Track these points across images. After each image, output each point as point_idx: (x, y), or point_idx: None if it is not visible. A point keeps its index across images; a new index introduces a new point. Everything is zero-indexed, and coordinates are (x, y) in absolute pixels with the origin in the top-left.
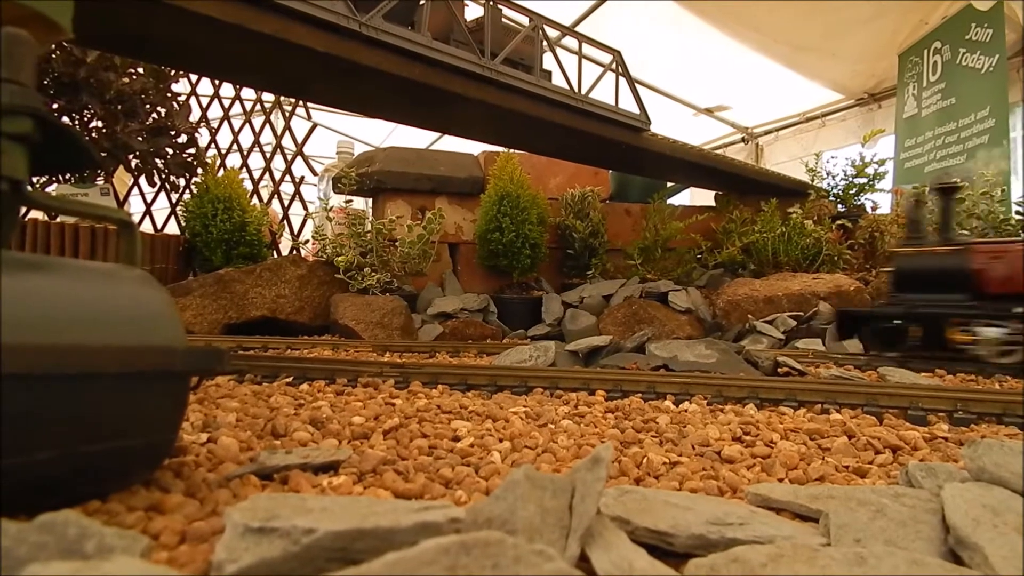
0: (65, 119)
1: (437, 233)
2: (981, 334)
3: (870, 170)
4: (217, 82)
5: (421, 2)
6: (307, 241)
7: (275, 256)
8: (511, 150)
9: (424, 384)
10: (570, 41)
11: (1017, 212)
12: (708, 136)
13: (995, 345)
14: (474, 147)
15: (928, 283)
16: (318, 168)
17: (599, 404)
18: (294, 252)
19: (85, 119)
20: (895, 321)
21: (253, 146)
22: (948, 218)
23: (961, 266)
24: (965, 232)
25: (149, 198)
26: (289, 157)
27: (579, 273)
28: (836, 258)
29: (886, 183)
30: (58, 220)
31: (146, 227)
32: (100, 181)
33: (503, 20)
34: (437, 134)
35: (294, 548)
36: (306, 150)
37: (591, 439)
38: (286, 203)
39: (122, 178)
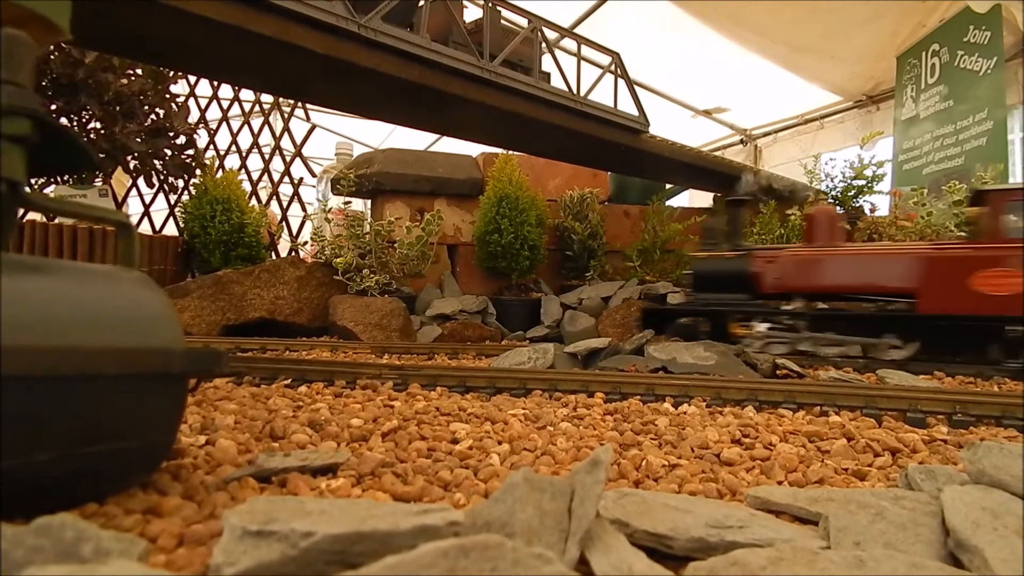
0: (63, 120)
1: (436, 235)
2: (754, 328)
3: (868, 172)
4: (216, 83)
5: (420, 3)
6: (306, 242)
7: (274, 257)
8: (510, 152)
9: (423, 386)
10: (569, 43)
11: None
12: (707, 138)
13: (761, 338)
14: (473, 149)
15: (718, 284)
16: (317, 169)
17: (598, 406)
18: (293, 253)
19: (83, 120)
20: (690, 318)
21: (252, 147)
22: (737, 227)
23: (743, 269)
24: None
25: (147, 199)
26: (288, 158)
27: (578, 275)
28: None
29: (884, 185)
30: (56, 221)
31: (144, 228)
32: (98, 182)
33: (502, 22)
34: (436, 136)
35: (292, 551)
36: (305, 151)
37: (590, 441)
38: (285, 204)
39: (120, 179)
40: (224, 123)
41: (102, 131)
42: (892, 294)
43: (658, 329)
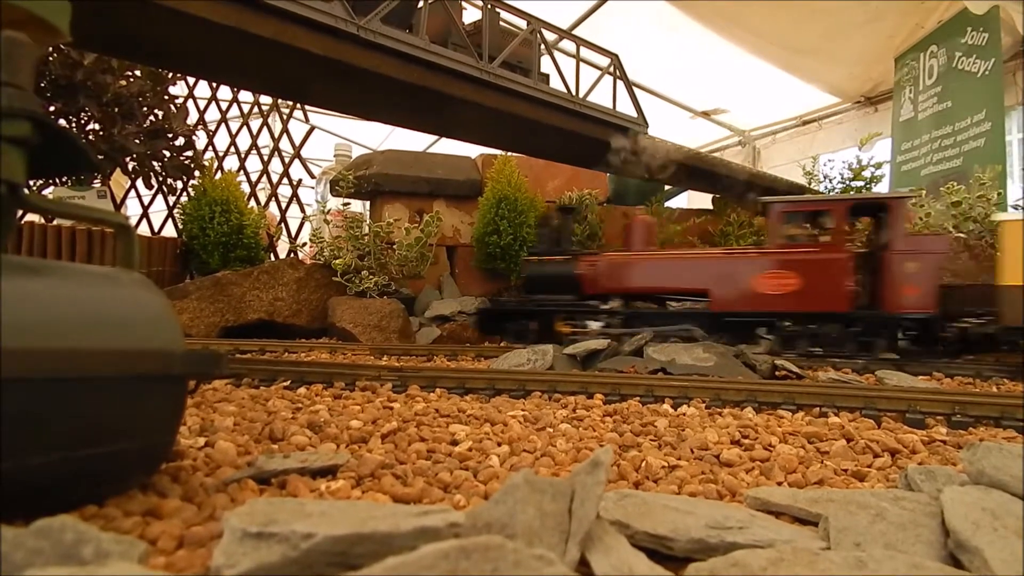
0: (62, 122)
1: (435, 236)
2: (586, 326)
3: (867, 173)
4: (214, 85)
5: (419, 5)
6: (304, 244)
7: (272, 259)
8: (509, 153)
9: (422, 388)
10: (568, 44)
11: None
12: (705, 139)
13: (585, 335)
14: (472, 150)
15: (548, 286)
16: (316, 171)
17: (597, 408)
18: (291, 255)
19: (82, 121)
20: (521, 319)
21: (251, 149)
22: (566, 233)
23: (569, 273)
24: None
25: (146, 201)
26: (287, 160)
27: None
28: None
29: (883, 186)
30: (55, 223)
31: (143, 230)
32: (97, 184)
33: (501, 23)
34: (435, 137)
35: (293, 553)
36: (304, 153)
37: (590, 443)
38: (283, 206)
39: (119, 181)
40: (223, 124)
41: (101, 132)
42: (692, 294)
43: (495, 329)
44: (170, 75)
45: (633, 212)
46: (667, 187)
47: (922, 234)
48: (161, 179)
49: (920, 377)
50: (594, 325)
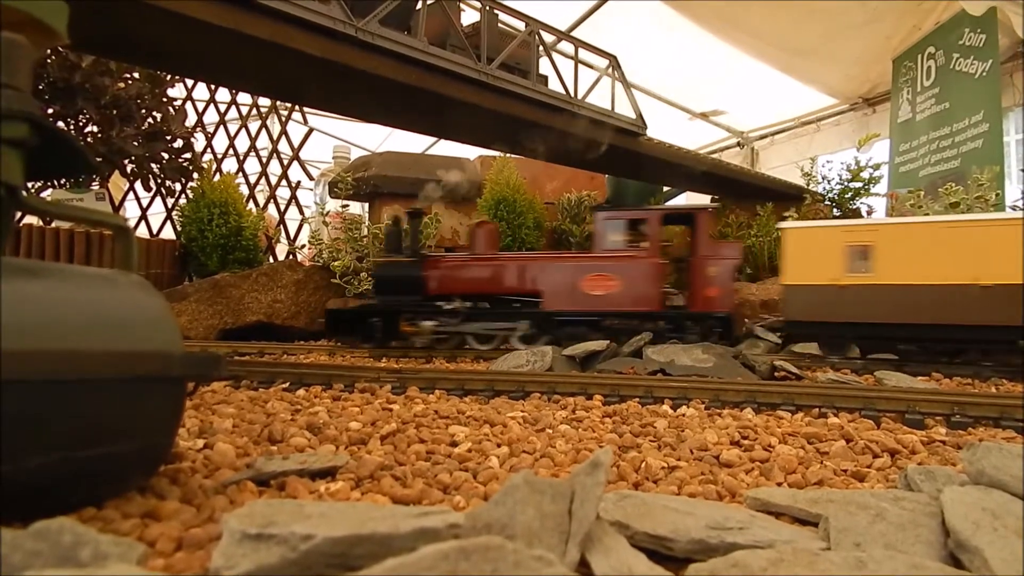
0: (60, 124)
1: (433, 237)
2: (421, 326)
3: (865, 174)
4: (213, 87)
5: (418, 7)
6: (303, 246)
7: (271, 261)
8: (507, 154)
9: (421, 389)
10: (566, 46)
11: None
12: (704, 140)
13: (429, 334)
14: (471, 151)
15: (395, 287)
16: (314, 172)
17: (597, 408)
18: (290, 257)
19: (80, 124)
20: (368, 319)
21: (249, 151)
22: (414, 234)
23: (415, 274)
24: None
25: (145, 203)
26: (285, 162)
27: None
28: None
29: (881, 187)
30: (53, 225)
31: (141, 232)
32: (95, 186)
33: (499, 25)
34: (433, 138)
35: (292, 555)
36: (302, 154)
37: (589, 444)
38: (282, 208)
39: (117, 183)
40: (221, 126)
41: (99, 135)
42: (527, 295)
43: (346, 330)
44: (168, 77)
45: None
46: (665, 188)
47: (721, 242)
48: (159, 181)
49: (919, 378)
50: (428, 324)
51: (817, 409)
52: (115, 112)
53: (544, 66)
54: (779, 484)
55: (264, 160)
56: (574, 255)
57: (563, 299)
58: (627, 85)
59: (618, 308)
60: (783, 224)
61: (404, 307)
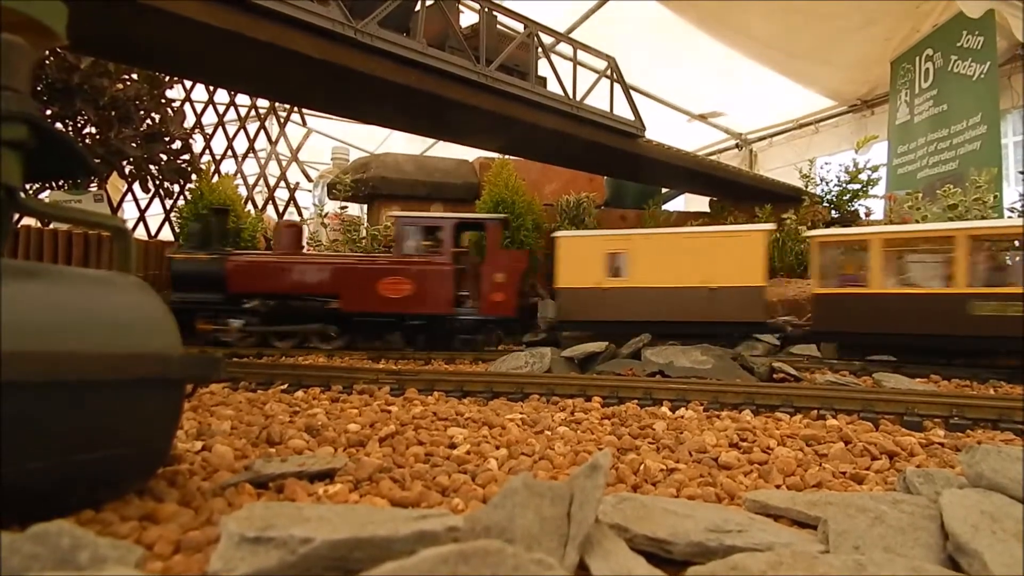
0: (59, 125)
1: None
2: (229, 324)
3: (863, 176)
4: (212, 88)
5: (416, 8)
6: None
7: None
8: (506, 156)
9: (420, 391)
10: (565, 48)
11: (1009, 217)
12: (702, 142)
13: (236, 332)
14: (469, 153)
15: (195, 284)
16: (313, 174)
17: (595, 410)
18: None
19: (79, 125)
20: None
21: (248, 152)
22: (217, 231)
23: (216, 271)
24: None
25: (143, 204)
26: (284, 163)
27: None
28: None
29: (880, 189)
30: (51, 226)
31: (140, 233)
32: (94, 187)
33: (498, 27)
34: (432, 140)
35: (291, 558)
36: (301, 156)
37: (588, 446)
38: (281, 209)
39: (116, 184)
40: (220, 128)
41: (97, 136)
42: (327, 295)
43: None
44: (167, 79)
45: (629, 215)
46: (664, 190)
47: (509, 251)
48: (158, 183)
49: (917, 380)
50: (236, 323)
51: (816, 411)
52: (113, 113)
53: (543, 68)
54: (778, 486)
55: (263, 161)
56: (372, 258)
57: (360, 300)
58: (626, 87)
59: (412, 310)
60: (556, 233)
61: (200, 305)
